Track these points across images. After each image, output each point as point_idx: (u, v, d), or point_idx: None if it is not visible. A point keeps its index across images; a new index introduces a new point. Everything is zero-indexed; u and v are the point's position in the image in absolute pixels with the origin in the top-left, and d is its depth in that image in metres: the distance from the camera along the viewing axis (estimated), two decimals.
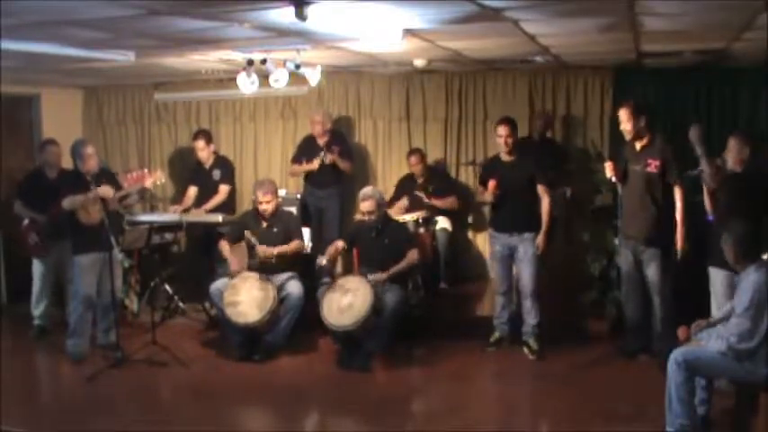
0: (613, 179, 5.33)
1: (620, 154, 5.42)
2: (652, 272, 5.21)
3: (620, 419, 4.49)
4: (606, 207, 6.90)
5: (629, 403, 4.71)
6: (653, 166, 5.14)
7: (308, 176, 7.37)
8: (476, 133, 7.65)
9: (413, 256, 5.80)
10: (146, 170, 5.98)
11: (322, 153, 7.13)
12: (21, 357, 6.03)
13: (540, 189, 5.58)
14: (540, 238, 5.50)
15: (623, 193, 5.33)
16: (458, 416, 4.69)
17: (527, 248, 5.52)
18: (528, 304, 5.59)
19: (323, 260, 5.79)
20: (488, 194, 5.56)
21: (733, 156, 4.75)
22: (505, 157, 5.63)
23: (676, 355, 3.92)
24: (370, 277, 5.58)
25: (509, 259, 5.65)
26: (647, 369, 5.05)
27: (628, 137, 5.24)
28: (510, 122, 5.62)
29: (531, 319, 5.61)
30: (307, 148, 7.39)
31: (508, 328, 5.78)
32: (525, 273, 5.55)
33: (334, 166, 7.17)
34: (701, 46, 5.62)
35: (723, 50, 5.76)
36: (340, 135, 7.53)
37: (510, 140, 5.55)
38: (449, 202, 7.13)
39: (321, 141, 7.29)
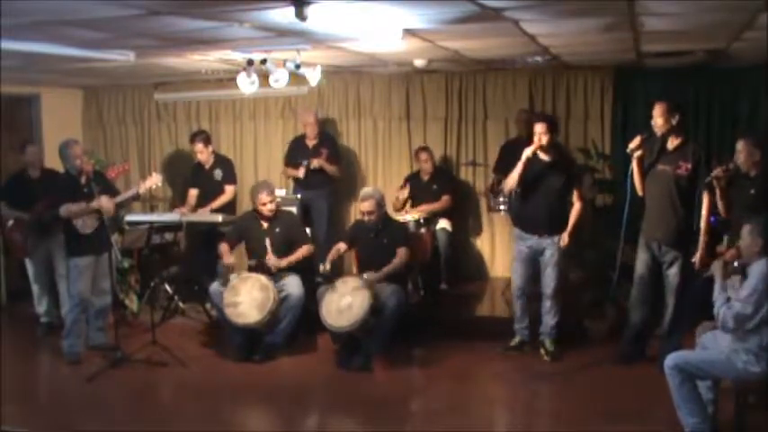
0: (634, 159, 5.10)
1: (648, 147, 5.10)
2: (673, 273, 5.11)
3: (621, 420, 4.48)
4: (607, 207, 6.92)
5: (629, 404, 4.71)
6: (684, 168, 4.97)
7: (297, 178, 7.39)
8: (476, 133, 7.66)
9: (401, 253, 5.76)
10: (126, 165, 6.30)
11: (305, 162, 7.19)
12: (21, 357, 6.03)
13: (576, 194, 5.50)
14: (566, 234, 5.39)
15: (648, 193, 5.14)
16: (458, 416, 4.68)
17: (555, 250, 5.44)
18: (549, 304, 5.54)
19: (326, 267, 5.70)
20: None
21: (744, 159, 4.74)
22: (542, 156, 5.41)
23: (668, 360, 3.94)
24: (365, 276, 5.58)
25: (533, 260, 5.55)
26: (648, 369, 5.04)
27: (658, 132, 5.03)
28: (547, 120, 5.50)
29: (550, 319, 5.55)
30: (297, 150, 7.45)
31: (529, 333, 5.68)
32: (551, 274, 5.47)
33: (322, 168, 7.22)
34: (701, 46, 5.62)
35: (723, 50, 5.76)
36: (329, 137, 7.57)
37: (546, 138, 5.32)
38: (442, 203, 7.12)
39: (311, 143, 7.35)
